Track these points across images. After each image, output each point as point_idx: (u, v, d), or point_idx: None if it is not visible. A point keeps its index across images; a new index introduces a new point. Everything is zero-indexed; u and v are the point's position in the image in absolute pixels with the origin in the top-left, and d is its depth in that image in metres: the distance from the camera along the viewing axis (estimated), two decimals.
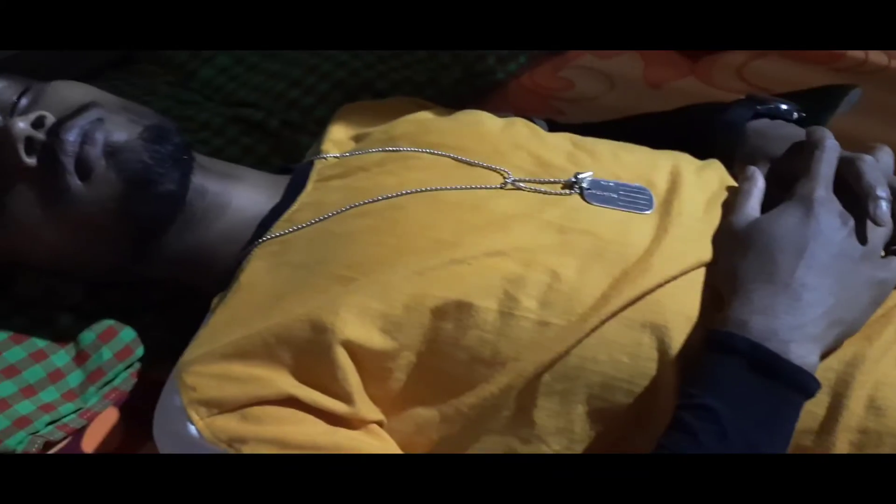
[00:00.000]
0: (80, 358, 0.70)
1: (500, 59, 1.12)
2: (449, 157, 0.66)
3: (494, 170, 0.64)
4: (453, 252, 0.57)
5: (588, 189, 0.62)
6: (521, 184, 0.63)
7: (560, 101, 1.12)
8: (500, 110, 1.09)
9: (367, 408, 0.57)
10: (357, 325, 0.56)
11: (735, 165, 0.68)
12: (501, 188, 0.63)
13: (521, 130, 0.70)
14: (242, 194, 0.69)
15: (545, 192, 0.62)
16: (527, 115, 0.81)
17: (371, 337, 0.56)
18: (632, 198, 0.61)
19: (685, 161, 0.67)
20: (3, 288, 0.69)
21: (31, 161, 0.61)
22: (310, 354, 0.56)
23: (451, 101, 0.97)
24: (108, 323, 0.71)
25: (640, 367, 0.55)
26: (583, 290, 0.55)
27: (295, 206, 0.67)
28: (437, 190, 0.63)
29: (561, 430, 0.56)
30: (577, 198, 0.62)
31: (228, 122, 0.94)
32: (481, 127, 0.70)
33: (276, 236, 0.65)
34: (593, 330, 0.54)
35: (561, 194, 0.62)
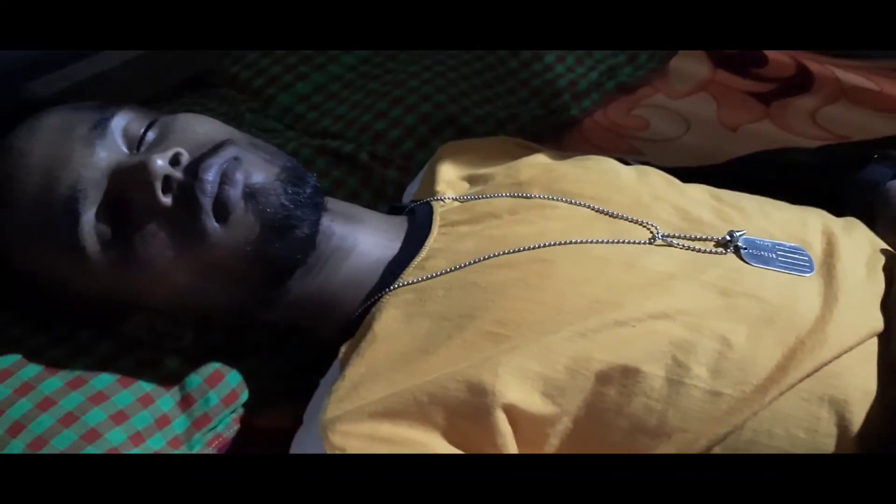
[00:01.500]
0: (186, 402, 0.67)
1: (575, 96, 1.10)
2: (588, 207, 0.64)
3: (640, 223, 0.62)
4: (616, 313, 0.55)
5: (744, 248, 0.59)
6: (673, 240, 0.60)
7: (638, 141, 1.10)
8: (579, 148, 1.07)
9: None
10: (518, 388, 0.53)
11: (878, 226, 0.66)
12: (649, 243, 0.61)
13: (658, 181, 0.67)
14: (366, 238, 0.66)
15: (698, 250, 0.60)
16: (621, 157, 0.79)
17: (532, 401, 0.53)
18: (790, 259, 0.59)
19: (830, 219, 0.65)
20: (110, 327, 0.66)
21: (166, 201, 0.58)
22: (466, 417, 0.53)
23: (530, 137, 0.95)
24: (215, 366, 0.68)
25: (818, 442, 0.52)
26: (756, 359, 0.53)
27: (424, 253, 0.64)
28: (582, 243, 0.60)
29: None
30: (733, 257, 0.59)
31: (316, 153, 0.91)
32: (616, 176, 0.67)
33: (409, 284, 0.62)
34: (769, 403, 0.52)
35: (715, 252, 0.60)
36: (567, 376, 0.53)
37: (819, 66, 1.21)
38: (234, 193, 0.58)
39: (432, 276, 0.62)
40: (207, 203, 0.58)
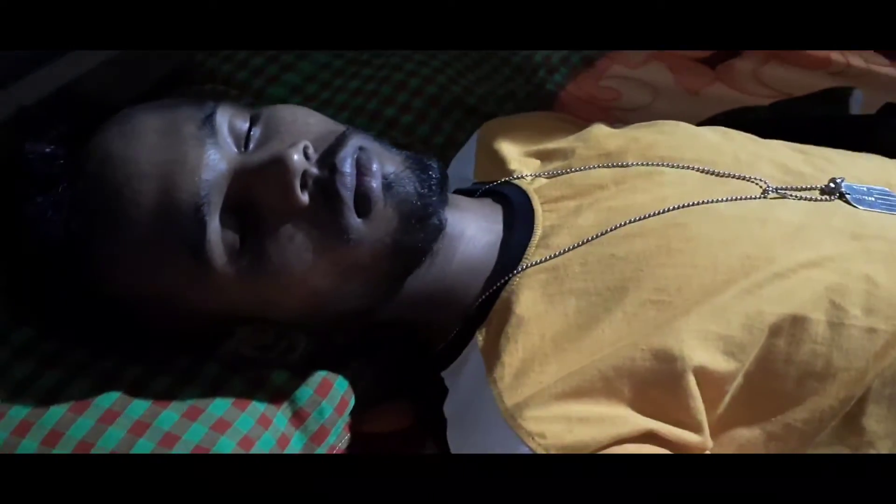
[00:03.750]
0: (298, 418, 0.62)
1: (549, 71, 1.12)
2: (695, 169, 0.65)
3: (749, 179, 0.64)
4: (773, 266, 0.56)
5: (847, 194, 0.63)
6: (786, 192, 0.63)
7: (618, 111, 1.13)
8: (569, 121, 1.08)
9: (707, 435, 0.55)
10: (703, 350, 0.54)
11: None
12: (763, 198, 0.63)
13: (742, 138, 0.70)
14: (471, 223, 0.64)
15: (810, 199, 0.63)
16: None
17: (717, 361, 0.54)
18: (886, 200, 0.63)
19: (893, 162, 0.70)
20: (213, 347, 0.59)
21: (305, 199, 0.53)
22: (657, 385, 0.53)
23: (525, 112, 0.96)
24: (322, 374, 0.63)
25: None
26: None
27: (540, 231, 0.63)
28: (706, 203, 0.61)
29: (889, 434, 0.56)
30: (841, 203, 0.63)
31: None
32: (704, 138, 0.69)
33: (537, 263, 0.60)
34: None
35: (824, 200, 0.63)
36: (744, 333, 0.54)
37: None
38: (376, 184, 0.54)
39: (560, 253, 0.60)
40: (349, 197, 0.54)
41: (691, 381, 0.53)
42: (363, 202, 0.54)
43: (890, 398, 0.56)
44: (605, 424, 0.52)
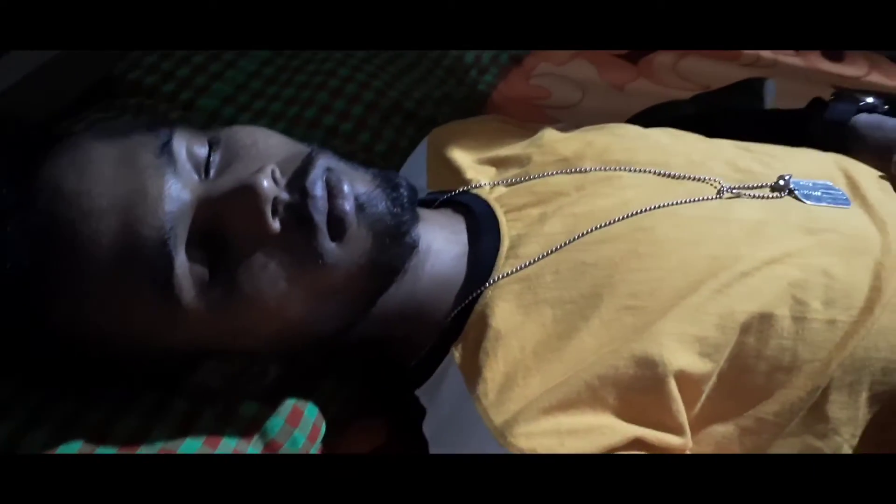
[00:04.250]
0: (271, 450, 0.59)
1: (480, 71, 1.12)
2: (651, 172, 0.66)
3: (703, 180, 0.65)
4: (739, 265, 0.58)
5: (796, 190, 0.65)
6: (741, 191, 0.65)
7: (551, 109, 1.14)
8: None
9: (689, 436, 0.56)
10: (681, 352, 0.55)
11: (854, 158, 0.75)
12: (719, 198, 0.64)
13: (691, 138, 0.71)
14: (436, 235, 0.63)
15: (761, 197, 0.65)
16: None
17: (695, 362, 0.55)
18: (831, 194, 0.66)
19: (832, 155, 0.73)
20: (179, 383, 0.56)
21: (276, 226, 0.51)
22: (640, 391, 0.54)
23: (462, 115, 0.96)
24: (292, 402, 0.61)
25: None
26: (855, 285, 0.59)
27: (507, 242, 0.62)
28: (668, 206, 0.62)
29: (850, 419, 0.59)
30: (791, 199, 0.65)
31: None
32: (656, 140, 0.70)
33: (508, 274, 0.60)
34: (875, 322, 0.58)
35: (774, 197, 0.65)
36: (718, 333, 0.56)
37: None
38: (349, 207, 0.53)
39: (530, 263, 0.60)
40: (322, 221, 0.52)
41: (672, 384, 0.54)
42: (337, 225, 0.53)
43: (850, 385, 0.59)
44: (595, 435, 0.52)
